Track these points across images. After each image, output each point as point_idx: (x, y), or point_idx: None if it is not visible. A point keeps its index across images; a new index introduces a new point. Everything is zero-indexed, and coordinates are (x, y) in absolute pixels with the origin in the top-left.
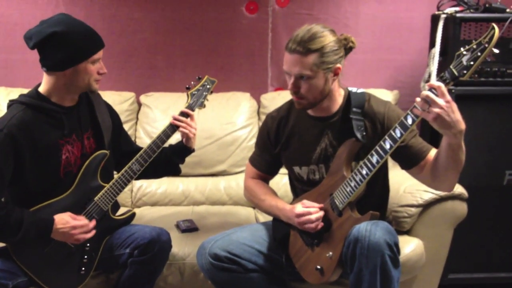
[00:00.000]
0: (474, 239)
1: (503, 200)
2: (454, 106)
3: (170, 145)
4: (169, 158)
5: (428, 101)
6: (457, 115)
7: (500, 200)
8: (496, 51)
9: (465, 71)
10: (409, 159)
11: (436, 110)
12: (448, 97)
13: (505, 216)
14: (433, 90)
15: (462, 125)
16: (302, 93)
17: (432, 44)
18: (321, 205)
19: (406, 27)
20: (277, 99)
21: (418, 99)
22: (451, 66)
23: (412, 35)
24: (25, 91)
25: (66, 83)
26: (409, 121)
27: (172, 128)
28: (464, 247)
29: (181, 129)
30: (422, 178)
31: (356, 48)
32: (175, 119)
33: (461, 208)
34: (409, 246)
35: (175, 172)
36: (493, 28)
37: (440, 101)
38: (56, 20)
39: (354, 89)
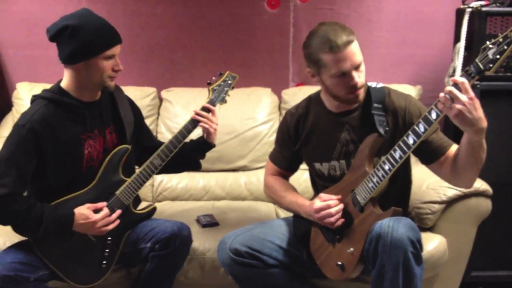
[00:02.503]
0: (498, 236)
1: None
2: (477, 103)
3: (191, 140)
4: (189, 153)
5: (451, 97)
6: (479, 113)
7: None
8: None
9: (491, 65)
10: (429, 154)
11: (458, 106)
12: (472, 93)
13: None
14: (456, 86)
15: (484, 123)
16: (362, 82)
17: (456, 39)
18: (339, 196)
19: (429, 21)
20: (298, 94)
21: (441, 95)
22: (476, 60)
23: (435, 30)
24: (48, 86)
25: (80, 78)
26: (433, 116)
27: (193, 123)
28: (487, 244)
29: (202, 124)
30: (441, 173)
31: (379, 42)
32: (196, 113)
33: (486, 205)
34: (432, 243)
35: (196, 167)
36: None
37: (463, 97)
38: (74, 14)
39: (373, 84)
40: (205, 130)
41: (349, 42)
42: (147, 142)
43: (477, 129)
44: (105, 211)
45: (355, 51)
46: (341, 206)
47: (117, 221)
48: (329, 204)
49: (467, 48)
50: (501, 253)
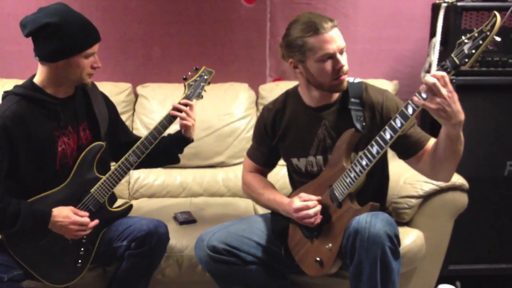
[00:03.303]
0: (475, 230)
1: (503, 191)
2: (455, 96)
3: (169, 135)
4: (167, 148)
5: (433, 90)
6: (457, 106)
7: (501, 191)
8: (498, 39)
9: (466, 60)
10: (407, 149)
11: (439, 100)
12: (451, 87)
13: (505, 207)
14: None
15: (462, 116)
16: (347, 67)
17: (432, 34)
18: (319, 197)
19: (406, 16)
20: (275, 89)
21: (423, 87)
22: (452, 55)
23: (412, 25)
24: (20, 82)
25: (59, 75)
26: (410, 110)
27: (170, 119)
28: (464, 238)
29: (181, 119)
30: (419, 168)
31: (355, 38)
32: (174, 107)
33: (462, 199)
34: (409, 237)
35: (174, 161)
36: (495, 15)
37: (443, 91)
38: (53, 9)
39: (350, 79)
40: (183, 125)
41: (333, 25)
42: (123, 138)
43: (456, 122)
44: (86, 218)
45: (339, 34)
46: (319, 207)
47: (96, 221)
48: (308, 205)
49: (443, 43)
50: (478, 247)
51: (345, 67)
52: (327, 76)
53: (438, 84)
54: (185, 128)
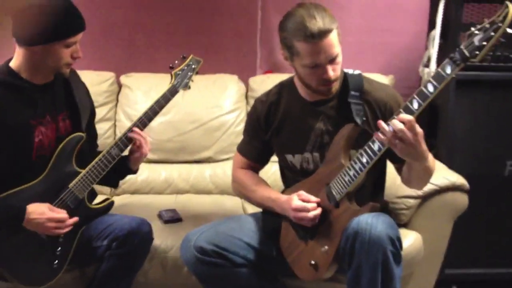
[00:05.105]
0: (472, 232)
1: (504, 192)
2: (421, 137)
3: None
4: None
5: (398, 134)
6: (423, 146)
7: (501, 192)
8: (511, 31)
9: (477, 52)
10: (393, 154)
11: (404, 144)
12: (416, 129)
13: (505, 209)
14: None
15: (427, 154)
16: (336, 75)
17: (431, 26)
18: (318, 199)
19: (402, 8)
20: (266, 82)
21: (387, 129)
22: (461, 46)
23: (408, 17)
24: None
25: (35, 61)
26: (415, 106)
27: (154, 110)
28: (461, 241)
29: (137, 141)
30: (400, 173)
31: (350, 30)
32: (133, 131)
33: (462, 200)
34: (408, 239)
35: (114, 185)
36: (507, 6)
37: (409, 134)
38: None
39: (350, 71)
40: (138, 149)
41: (326, 32)
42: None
43: (422, 160)
44: (65, 214)
45: (332, 42)
46: (319, 210)
47: (75, 218)
48: (307, 207)
49: (442, 36)
50: (475, 250)
51: (334, 76)
52: (313, 81)
53: (405, 129)
54: (139, 152)
